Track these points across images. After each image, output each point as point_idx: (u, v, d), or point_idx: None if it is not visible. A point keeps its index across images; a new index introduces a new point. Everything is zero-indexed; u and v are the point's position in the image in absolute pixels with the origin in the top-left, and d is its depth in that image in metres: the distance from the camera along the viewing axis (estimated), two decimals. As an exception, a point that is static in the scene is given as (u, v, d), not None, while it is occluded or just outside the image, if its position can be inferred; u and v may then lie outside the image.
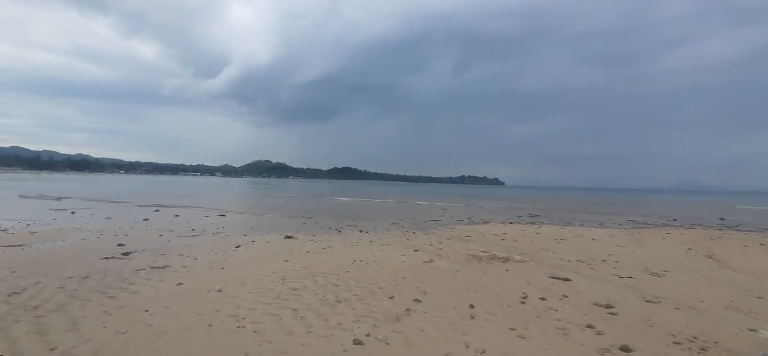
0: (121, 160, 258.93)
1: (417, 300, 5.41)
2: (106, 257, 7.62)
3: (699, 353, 4.04)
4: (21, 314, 4.56)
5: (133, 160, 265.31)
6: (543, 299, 5.64)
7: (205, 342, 3.96)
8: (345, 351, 3.85)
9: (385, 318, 4.72)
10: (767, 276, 7.62)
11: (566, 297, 5.83)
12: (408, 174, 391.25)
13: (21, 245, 8.72)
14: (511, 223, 17.14)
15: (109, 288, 5.64)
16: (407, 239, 11.47)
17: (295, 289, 5.78)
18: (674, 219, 22.05)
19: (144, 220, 14.02)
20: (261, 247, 9.34)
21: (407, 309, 5.02)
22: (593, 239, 12.37)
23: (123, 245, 9.06)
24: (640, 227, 17.20)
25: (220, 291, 5.59)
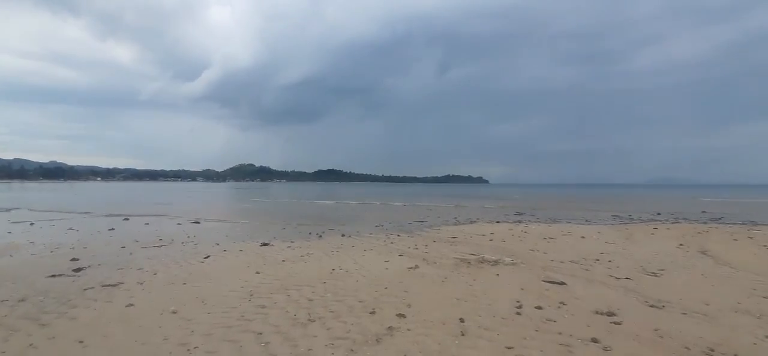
0: (97, 167, 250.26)
1: (401, 315, 4.81)
2: (53, 275, 6.76)
3: (720, 369, 3.57)
4: None
5: (110, 166, 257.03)
6: (539, 308, 5.12)
7: (143, 383, 3.26)
8: (314, 386, 3.21)
9: (363, 339, 4.10)
10: (767, 273, 7.32)
11: (564, 304, 5.32)
12: (393, 175, 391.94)
13: (-43, 263, 7.75)
14: (497, 222, 16.74)
15: (45, 314, 4.85)
16: (391, 242, 10.88)
17: (263, 307, 5.10)
18: (658, 214, 22.12)
19: (109, 230, 13.02)
20: (232, 257, 8.59)
21: (389, 328, 4.41)
22: (583, 237, 12.03)
23: (77, 259, 8.17)
24: (626, 223, 17.05)
25: (174, 312, 4.86)
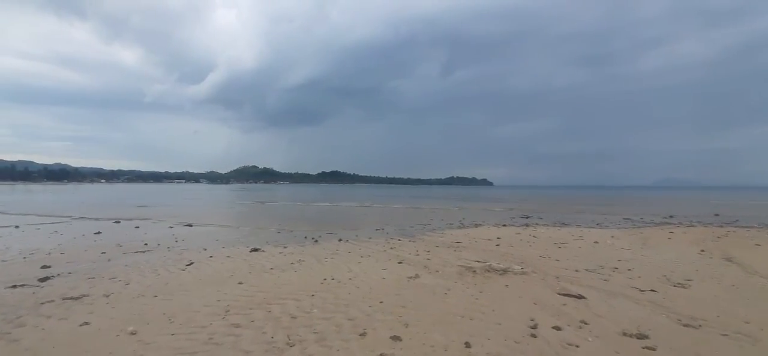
0: (102, 168, 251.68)
1: (396, 338, 4.11)
2: (14, 286, 6.11)
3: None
4: None
5: (115, 168, 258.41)
6: (558, 328, 4.40)
7: None
8: None
9: (349, 371, 3.40)
10: (808, 284, 6.55)
11: (586, 323, 4.60)
12: (397, 177, 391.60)
13: None
14: (504, 226, 15.97)
15: (-15, 334, 4.19)
16: (391, 247, 10.17)
17: (237, 326, 4.42)
18: (671, 216, 21.25)
19: (95, 234, 12.40)
20: (217, 264, 7.92)
21: (381, 355, 3.71)
22: (596, 242, 11.26)
23: (48, 266, 7.53)
24: (639, 226, 16.24)
25: (133, 333, 4.19)
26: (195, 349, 3.81)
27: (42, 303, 5.24)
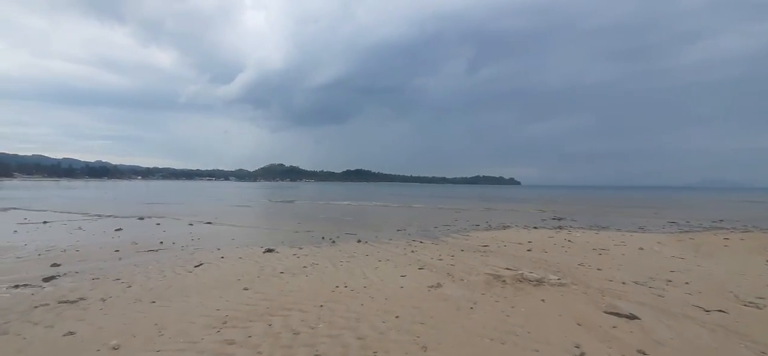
0: (139, 166, 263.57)
1: (411, 366, 3.45)
2: (17, 286, 5.87)
3: None
4: None
5: (150, 166, 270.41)
6: (611, 360, 3.60)
7: None
8: None
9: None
10: None
11: (644, 354, 3.77)
12: (421, 175, 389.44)
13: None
14: (535, 228, 14.91)
15: (-37, 343, 3.85)
16: (412, 250, 9.49)
17: (231, 343, 3.88)
18: (720, 220, 19.43)
19: (116, 231, 12.40)
20: (227, 266, 7.50)
21: (393, 390, 3.06)
22: (641, 249, 10.14)
23: (58, 265, 7.35)
24: (686, 231, 14.79)
25: (116, 348, 3.73)
26: (177, 372, 3.29)
27: (35, 307, 4.92)
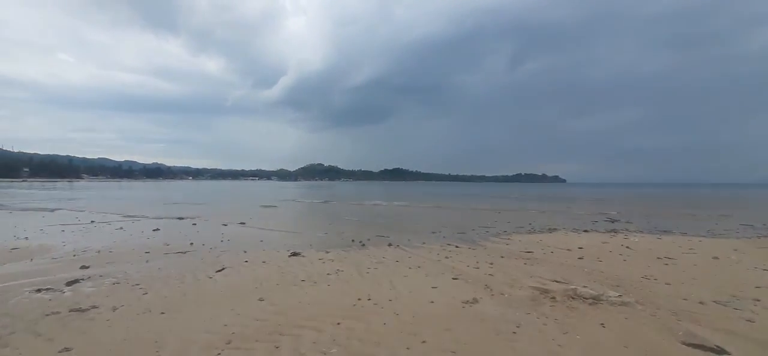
0: (189, 167, 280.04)
1: (437, 415, 2.75)
2: (39, 290, 5.81)
3: None
4: None
5: (200, 167, 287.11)
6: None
7: None
8: None
9: None
10: None
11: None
12: (460, 174, 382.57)
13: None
14: (585, 231, 13.53)
15: (-39, 356, 3.65)
16: (446, 256, 8.72)
17: (229, 370, 3.38)
18: (809, 223, 16.80)
19: (153, 231, 12.64)
20: (248, 272, 7.14)
21: None
22: (715, 258, 8.71)
23: (87, 267, 7.35)
24: (765, 236, 12.78)
25: (104, 372, 3.35)
26: (159, 408, 2.82)
27: (46, 315, 4.73)
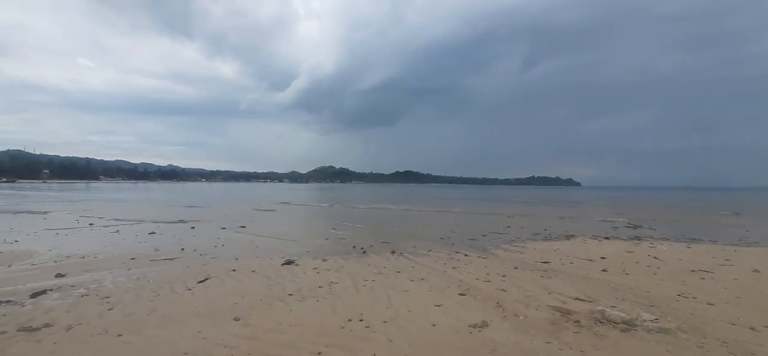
0: (204, 169, 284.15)
1: None
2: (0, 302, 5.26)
3: None
4: None
5: (214, 169, 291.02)
6: None
7: None
8: None
9: None
10: None
11: None
12: (472, 176, 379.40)
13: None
14: (606, 239, 12.51)
15: None
16: (454, 266, 7.93)
17: (169, 422, 2.69)
18: None
19: (149, 235, 12.16)
20: (234, 282, 6.48)
21: None
22: (756, 271, 7.72)
23: (63, 275, 6.80)
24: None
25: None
26: None
27: (-11, 336, 4.13)
